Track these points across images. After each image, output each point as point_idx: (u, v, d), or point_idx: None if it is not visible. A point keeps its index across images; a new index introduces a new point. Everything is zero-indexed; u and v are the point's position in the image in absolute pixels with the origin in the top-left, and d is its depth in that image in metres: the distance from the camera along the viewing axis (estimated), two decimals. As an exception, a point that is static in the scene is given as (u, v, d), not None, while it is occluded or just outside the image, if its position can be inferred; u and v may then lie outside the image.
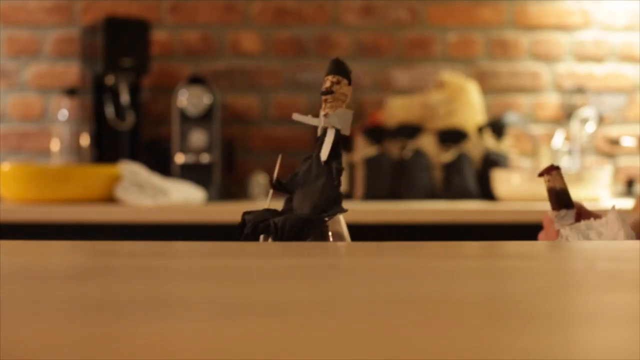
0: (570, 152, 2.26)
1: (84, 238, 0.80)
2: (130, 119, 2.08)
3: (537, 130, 2.36)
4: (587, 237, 0.74)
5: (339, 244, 0.65)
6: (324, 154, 0.64)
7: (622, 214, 0.73)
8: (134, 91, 2.10)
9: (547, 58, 2.38)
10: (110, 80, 2.08)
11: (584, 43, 2.38)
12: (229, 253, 0.56)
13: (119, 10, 2.27)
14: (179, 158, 2.09)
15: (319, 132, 0.65)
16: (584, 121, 2.29)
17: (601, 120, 2.32)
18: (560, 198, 0.77)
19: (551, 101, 2.38)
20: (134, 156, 2.05)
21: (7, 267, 0.45)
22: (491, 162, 2.08)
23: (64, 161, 2.14)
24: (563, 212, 0.76)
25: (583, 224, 0.75)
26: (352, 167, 2.09)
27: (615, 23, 2.33)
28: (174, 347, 0.26)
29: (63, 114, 2.17)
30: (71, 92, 2.18)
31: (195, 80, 2.11)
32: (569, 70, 2.38)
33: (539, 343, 0.26)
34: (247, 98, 2.33)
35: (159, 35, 2.29)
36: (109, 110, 2.07)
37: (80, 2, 2.31)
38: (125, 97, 2.06)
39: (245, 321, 0.30)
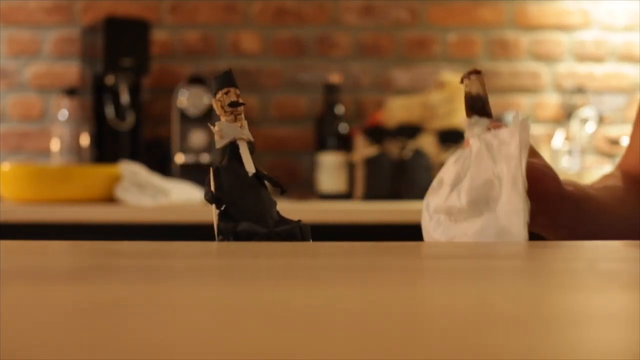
0: (570, 152, 2.26)
1: (84, 238, 0.80)
2: (130, 119, 2.08)
3: (537, 130, 2.36)
4: (490, 147, 0.69)
5: (339, 244, 0.65)
6: (250, 166, 0.64)
7: (525, 122, 0.68)
8: (134, 91, 2.10)
9: (547, 58, 2.38)
10: (110, 80, 2.08)
11: (584, 43, 2.38)
12: (229, 253, 0.56)
13: (119, 10, 2.27)
14: (179, 158, 2.09)
15: (220, 144, 0.64)
16: (584, 121, 2.29)
17: (601, 120, 2.32)
18: (473, 104, 0.72)
19: (551, 101, 2.38)
20: (134, 156, 2.05)
21: (7, 267, 0.45)
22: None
23: (64, 161, 2.14)
24: (474, 119, 0.72)
25: (491, 132, 0.71)
26: (352, 167, 2.09)
27: (615, 23, 2.33)
28: (174, 347, 0.26)
29: (63, 114, 2.17)
30: (71, 92, 2.18)
31: (195, 80, 2.11)
32: (569, 70, 2.38)
33: (538, 343, 0.26)
34: (247, 98, 2.33)
35: (159, 35, 2.29)
36: (109, 110, 2.07)
37: (80, 2, 2.31)
38: (125, 97, 2.06)
39: (245, 321, 0.30)
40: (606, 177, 0.95)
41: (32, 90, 2.32)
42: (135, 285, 0.39)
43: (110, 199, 1.85)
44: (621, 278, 0.43)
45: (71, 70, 2.29)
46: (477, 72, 0.72)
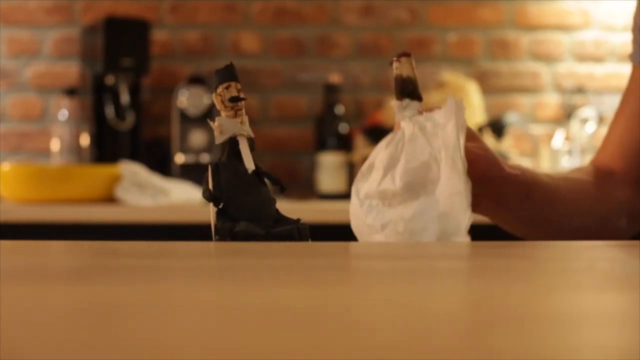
0: (570, 152, 2.26)
1: (84, 238, 0.80)
2: (130, 119, 2.08)
3: (537, 130, 2.36)
4: (423, 129, 0.68)
5: (340, 244, 0.65)
6: (250, 163, 0.63)
7: (460, 104, 0.68)
8: (134, 91, 2.10)
9: (547, 58, 2.38)
10: (110, 80, 2.08)
11: (584, 43, 2.38)
12: (229, 253, 0.56)
13: (119, 10, 2.27)
14: (179, 158, 2.09)
15: (220, 140, 0.63)
16: (584, 121, 2.29)
17: (601, 120, 2.32)
18: (404, 86, 0.70)
19: (551, 101, 2.38)
20: (134, 156, 2.05)
21: (7, 267, 0.45)
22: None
23: (64, 161, 2.14)
24: (406, 101, 0.70)
25: (424, 115, 0.70)
26: (352, 166, 2.09)
27: (615, 23, 2.33)
28: (174, 347, 0.26)
29: (63, 114, 2.17)
30: (71, 92, 2.18)
31: (195, 80, 2.11)
32: (569, 70, 2.38)
33: (538, 343, 0.26)
34: (247, 98, 2.32)
35: (159, 35, 2.29)
36: (109, 110, 2.07)
37: (80, 2, 2.31)
38: (125, 97, 2.06)
39: (245, 321, 0.30)
40: (576, 170, 0.94)
41: (32, 90, 2.32)
42: (135, 285, 0.39)
43: (110, 199, 1.85)
44: (621, 278, 0.43)
45: (71, 70, 2.29)
46: (407, 55, 0.71)
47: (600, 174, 0.88)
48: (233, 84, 0.64)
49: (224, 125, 0.63)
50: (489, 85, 2.35)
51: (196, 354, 0.25)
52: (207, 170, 0.63)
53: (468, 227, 0.64)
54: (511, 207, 0.80)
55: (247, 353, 0.25)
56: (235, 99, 0.63)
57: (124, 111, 2.07)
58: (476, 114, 2.18)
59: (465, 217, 0.64)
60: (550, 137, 2.33)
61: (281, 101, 2.34)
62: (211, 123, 0.64)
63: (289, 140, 2.33)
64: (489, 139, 2.14)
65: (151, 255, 0.54)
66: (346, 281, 0.42)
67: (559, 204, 0.84)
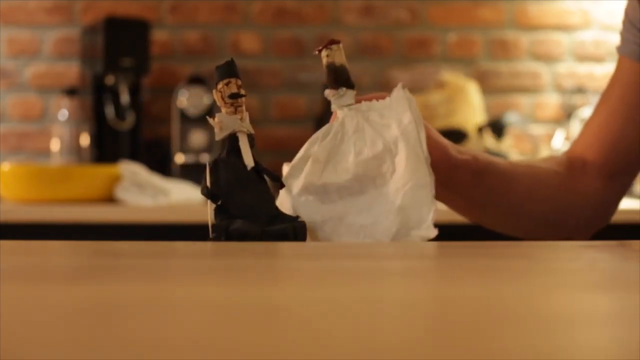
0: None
1: (84, 238, 0.80)
2: (130, 119, 2.08)
3: (537, 130, 2.36)
4: (367, 119, 0.66)
5: (339, 244, 0.65)
6: (250, 160, 0.63)
7: (410, 95, 0.66)
8: (134, 91, 2.10)
9: (547, 58, 2.38)
10: (110, 80, 2.08)
11: (584, 43, 2.38)
12: (229, 253, 0.56)
13: (119, 10, 2.27)
14: (179, 158, 2.09)
15: (219, 136, 0.63)
16: (584, 121, 2.29)
17: (601, 120, 2.32)
18: (339, 75, 0.68)
19: (551, 101, 2.38)
20: (134, 156, 2.05)
21: (7, 267, 0.45)
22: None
23: (64, 161, 2.14)
24: (342, 90, 0.67)
25: (364, 104, 0.67)
26: (352, 167, 2.09)
27: (615, 23, 2.33)
28: (174, 347, 0.26)
29: (63, 114, 2.17)
30: (71, 92, 2.18)
31: (195, 80, 2.11)
32: (569, 70, 2.38)
33: (537, 343, 0.26)
34: (247, 98, 2.32)
35: (159, 35, 2.29)
36: (109, 110, 2.07)
37: (80, 2, 2.31)
38: (125, 97, 2.06)
39: (245, 321, 0.30)
40: (547, 158, 0.94)
41: (32, 90, 2.32)
42: (135, 285, 0.39)
43: (110, 199, 1.85)
44: (622, 278, 0.43)
45: (71, 70, 2.29)
46: (337, 42, 0.68)
47: (571, 163, 0.88)
48: (233, 80, 0.63)
49: (224, 122, 0.63)
50: (489, 85, 2.35)
51: (196, 354, 0.25)
52: (207, 168, 0.63)
53: (433, 219, 0.62)
54: (462, 193, 0.80)
55: (248, 353, 0.25)
56: (235, 95, 0.63)
57: (124, 111, 2.07)
58: (476, 114, 2.19)
59: (429, 210, 0.62)
60: (550, 137, 2.33)
61: (281, 101, 2.34)
62: (211, 120, 0.64)
63: (289, 140, 2.33)
64: (489, 139, 2.14)
65: (151, 255, 0.54)
66: (344, 282, 0.42)
67: (515, 190, 0.83)
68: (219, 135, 0.63)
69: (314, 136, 0.68)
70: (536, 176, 0.86)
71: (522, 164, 0.89)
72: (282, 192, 0.68)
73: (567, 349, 0.26)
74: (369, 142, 0.65)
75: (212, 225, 0.62)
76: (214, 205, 0.62)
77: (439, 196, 0.80)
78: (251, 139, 0.64)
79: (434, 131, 0.75)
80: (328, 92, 0.69)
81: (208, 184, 0.62)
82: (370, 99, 0.68)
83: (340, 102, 0.68)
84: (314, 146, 0.67)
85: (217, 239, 0.61)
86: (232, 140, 0.63)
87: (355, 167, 0.65)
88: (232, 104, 0.63)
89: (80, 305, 0.33)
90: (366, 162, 0.65)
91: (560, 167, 0.87)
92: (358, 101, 0.68)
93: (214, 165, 0.62)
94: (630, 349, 0.26)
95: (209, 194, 0.62)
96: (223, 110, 0.63)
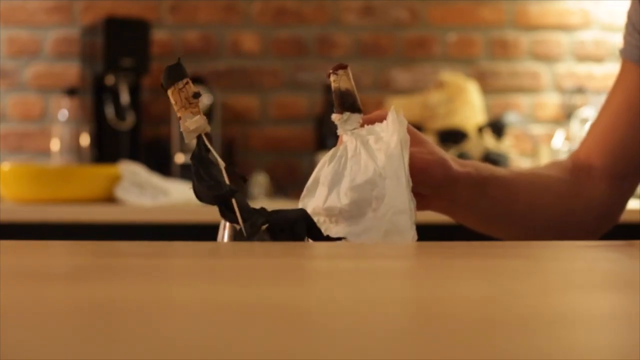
0: (570, 152, 2.26)
1: (84, 238, 0.80)
2: (130, 119, 2.08)
3: (537, 130, 2.36)
4: (366, 144, 0.67)
5: (339, 244, 0.65)
6: (219, 159, 0.63)
7: (401, 118, 0.67)
8: (134, 91, 2.10)
9: (547, 58, 2.38)
10: (110, 80, 2.08)
11: (584, 43, 2.38)
12: (229, 253, 0.56)
13: (119, 10, 2.27)
14: (179, 158, 2.09)
15: (190, 139, 0.63)
16: (584, 121, 2.29)
17: (601, 120, 2.32)
18: (344, 100, 0.69)
19: (551, 101, 2.38)
20: (134, 156, 2.05)
21: (7, 267, 0.45)
22: (491, 162, 2.08)
23: (64, 161, 2.14)
24: (346, 115, 0.69)
25: (365, 129, 0.69)
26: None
27: (616, 23, 2.33)
28: (174, 347, 0.26)
29: (63, 114, 2.17)
30: (71, 92, 2.18)
31: (195, 80, 2.11)
32: (569, 70, 2.38)
33: (537, 344, 0.26)
34: (247, 98, 2.33)
35: (159, 35, 2.29)
36: (109, 110, 2.07)
37: (80, 2, 2.31)
38: (125, 97, 2.06)
39: (245, 321, 0.30)
40: (551, 164, 0.94)
41: (32, 90, 2.32)
42: (135, 285, 0.39)
43: (110, 199, 1.85)
44: (622, 278, 0.43)
45: (71, 70, 2.29)
46: (344, 67, 0.69)
47: (576, 168, 0.88)
48: (189, 79, 0.63)
49: (201, 124, 0.63)
50: (488, 85, 2.35)
51: (196, 354, 0.25)
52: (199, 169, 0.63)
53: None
54: (467, 206, 0.80)
55: (248, 353, 0.25)
56: (197, 95, 0.63)
57: (124, 111, 2.07)
58: (476, 114, 2.19)
59: (409, 236, 0.64)
60: (550, 137, 2.34)
61: (281, 101, 2.34)
62: (184, 123, 0.63)
63: (289, 140, 2.33)
64: (489, 139, 2.14)
65: (151, 255, 0.54)
66: (344, 282, 0.42)
67: (519, 199, 0.83)
68: (190, 138, 0.63)
69: (323, 160, 0.70)
70: (540, 184, 0.86)
71: (525, 172, 0.89)
72: None
73: (567, 349, 0.26)
74: (363, 166, 0.67)
75: (248, 223, 0.61)
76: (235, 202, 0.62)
77: (445, 210, 0.80)
78: (209, 137, 0.64)
79: (434, 146, 0.74)
80: (334, 117, 0.70)
81: (208, 185, 0.62)
82: (371, 120, 0.69)
83: (345, 127, 0.70)
84: (323, 169, 0.69)
85: (252, 235, 0.61)
86: (201, 140, 0.63)
87: (351, 192, 0.66)
88: (196, 104, 0.63)
89: (80, 305, 0.33)
90: (360, 188, 0.66)
91: (565, 172, 0.87)
92: (363, 121, 0.70)
93: (206, 165, 0.62)
94: (630, 349, 0.26)
95: (227, 192, 0.61)
96: (187, 110, 0.63)
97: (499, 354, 0.25)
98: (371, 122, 0.70)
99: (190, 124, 0.62)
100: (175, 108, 0.63)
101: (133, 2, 2.31)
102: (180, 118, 0.63)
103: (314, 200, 0.69)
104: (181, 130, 0.63)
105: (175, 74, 0.62)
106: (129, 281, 0.40)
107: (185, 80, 0.62)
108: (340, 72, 0.69)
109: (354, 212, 0.66)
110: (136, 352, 0.25)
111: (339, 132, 0.70)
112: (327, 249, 0.60)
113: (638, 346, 0.26)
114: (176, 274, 0.44)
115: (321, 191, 0.68)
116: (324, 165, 0.69)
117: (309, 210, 0.67)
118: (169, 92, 0.63)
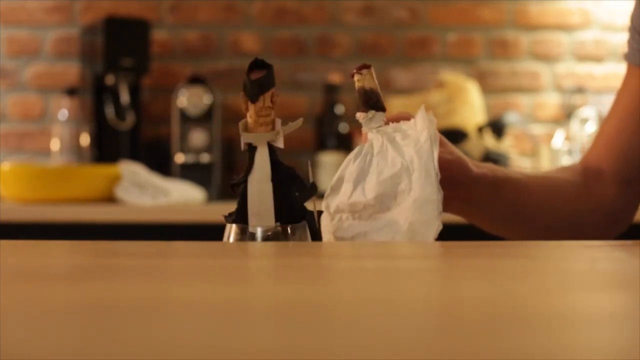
0: (570, 152, 2.26)
1: (84, 238, 0.80)
2: (130, 119, 2.08)
3: (537, 130, 2.36)
4: (392, 140, 0.69)
5: (339, 244, 0.65)
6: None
7: (431, 117, 0.69)
8: (134, 91, 2.10)
9: (547, 58, 2.38)
10: (110, 80, 2.08)
11: (584, 43, 2.38)
12: (229, 253, 0.56)
13: (119, 10, 2.27)
14: (179, 158, 2.09)
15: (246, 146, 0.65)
16: (584, 121, 2.29)
17: (601, 120, 2.32)
18: (368, 98, 0.71)
19: (551, 101, 2.38)
20: (134, 156, 2.05)
21: (7, 267, 0.45)
22: (491, 162, 2.08)
23: (64, 161, 2.14)
24: (371, 113, 0.71)
25: (391, 126, 0.70)
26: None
27: (616, 23, 2.33)
28: (174, 347, 0.26)
29: (63, 114, 2.17)
30: (71, 92, 2.18)
31: (195, 80, 2.11)
32: (569, 70, 2.38)
33: (538, 343, 0.26)
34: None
35: (159, 35, 2.29)
36: (109, 110, 2.07)
37: (80, 2, 2.31)
38: (125, 97, 2.06)
39: (244, 321, 0.30)
40: (563, 168, 0.95)
41: (32, 90, 2.32)
42: (135, 285, 0.39)
43: (110, 199, 1.85)
44: (622, 278, 0.43)
45: (71, 70, 2.29)
46: (368, 67, 0.71)
47: (587, 172, 0.89)
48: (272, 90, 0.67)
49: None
50: (488, 85, 2.35)
51: (196, 354, 0.25)
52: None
53: (436, 235, 0.65)
54: (482, 207, 0.81)
55: (248, 353, 0.25)
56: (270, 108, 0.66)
57: (124, 111, 2.07)
58: (476, 113, 2.19)
59: (434, 225, 0.65)
60: (550, 137, 2.33)
61: (281, 101, 2.34)
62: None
63: (289, 140, 2.32)
64: (489, 139, 2.14)
65: (151, 255, 0.54)
66: (343, 282, 0.42)
67: (533, 201, 0.85)
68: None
69: (348, 157, 0.72)
70: (553, 187, 0.87)
71: (538, 175, 0.90)
72: (324, 211, 0.73)
73: (567, 349, 0.26)
74: (390, 162, 0.69)
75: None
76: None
77: (461, 212, 0.81)
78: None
79: (453, 147, 0.77)
80: (359, 115, 0.72)
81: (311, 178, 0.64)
82: (396, 119, 0.71)
83: (370, 125, 0.71)
84: (348, 167, 0.71)
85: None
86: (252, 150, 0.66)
87: (377, 187, 0.68)
88: (266, 116, 0.66)
89: (80, 305, 0.33)
90: (386, 182, 0.68)
91: (576, 176, 0.88)
92: (387, 120, 0.71)
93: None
94: (630, 349, 0.26)
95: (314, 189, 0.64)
96: (254, 119, 0.66)
97: (499, 353, 0.25)
98: (395, 121, 0.71)
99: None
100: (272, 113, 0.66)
101: (133, 2, 2.31)
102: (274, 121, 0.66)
103: (339, 197, 0.70)
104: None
105: (266, 84, 0.66)
106: (129, 281, 0.40)
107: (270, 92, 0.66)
108: (365, 71, 0.71)
109: (378, 206, 0.68)
110: (136, 351, 0.25)
111: (364, 130, 0.72)
112: (327, 249, 0.60)
113: (638, 346, 0.26)
114: (176, 274, 0.44)
115: (346, 188, 0.70)
116: (349, 163, 0.71)
117: (332, 208, 0.69)
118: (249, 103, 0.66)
